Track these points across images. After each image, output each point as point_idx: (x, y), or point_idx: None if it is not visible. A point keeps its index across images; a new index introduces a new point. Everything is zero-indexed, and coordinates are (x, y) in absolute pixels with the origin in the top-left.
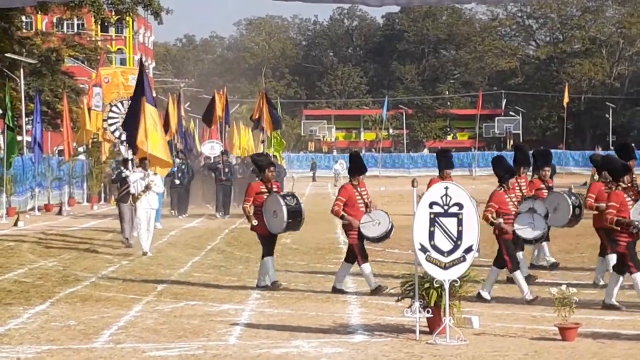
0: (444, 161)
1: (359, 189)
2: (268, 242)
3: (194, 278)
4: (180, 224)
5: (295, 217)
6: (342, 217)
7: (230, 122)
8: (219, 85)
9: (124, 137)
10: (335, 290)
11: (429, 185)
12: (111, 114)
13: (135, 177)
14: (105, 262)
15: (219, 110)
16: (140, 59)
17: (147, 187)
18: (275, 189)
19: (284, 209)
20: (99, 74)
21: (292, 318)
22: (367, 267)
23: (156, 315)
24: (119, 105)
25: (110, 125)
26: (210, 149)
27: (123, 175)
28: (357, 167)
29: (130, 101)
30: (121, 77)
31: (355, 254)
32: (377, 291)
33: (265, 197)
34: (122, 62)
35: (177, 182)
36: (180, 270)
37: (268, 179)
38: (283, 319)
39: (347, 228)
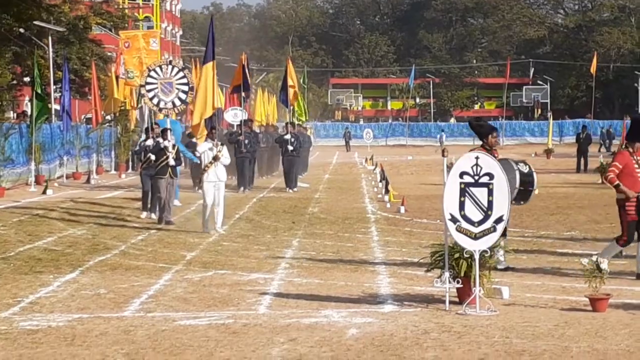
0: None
1: (635, 157)
2: None
3: (222, 247)
4: None
5: (527, 187)
6: (616, 187)
7: (253, 90)
8: (246, 53)
9: (162, 104)
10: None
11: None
12: (149, 79)
13: (203, 148)
14: (134, 231)
15: (240, 77)
16: (212, 17)
17: (215, 159)
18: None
19: (517, 174)
20: (122, 38)
21: (321, 287)
22: None
23: (185, 284)
24: (158, 70)
25: (149, 91)
26: (234, 116)
27: (146, 144)
28: (637, 134)
29: (171, 66)
30: (142, 40)
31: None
32: None
33: None
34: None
35: (244, 150)
36: (208, 239)
37: (491, 145)
38: (312, 288)
39: (622, 202)
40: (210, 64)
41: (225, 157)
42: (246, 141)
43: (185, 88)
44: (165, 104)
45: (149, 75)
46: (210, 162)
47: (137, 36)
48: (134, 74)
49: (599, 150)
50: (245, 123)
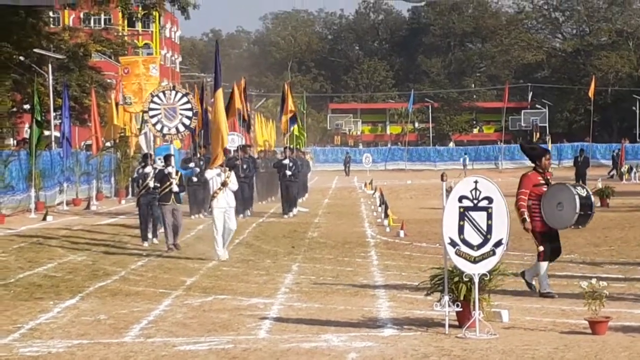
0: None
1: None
2: (546, 240)
3: (222, 272)
4: (209, 219)
5: (586, 210)
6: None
7: (252, 115)
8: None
9: (165, 130)
10: None
11: (522, 181)
12: (152, 105)
13: (211, 174)
14: (134, 257)
15: (237, 102)
16: (217, 42)
17: (224, 184)
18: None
19: (577, 199)
20: (122, 65)
21: (321, 312)
22: None
23: (185, 309)
24: (161, 95)
25: (152, 117)
26: (231, 141)
27: (145, 171)
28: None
29: (175, 92)
30: (142, 66)
31: None
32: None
33: (544, 188)
34: None
35: (242, 175)
36: (208, 265)
37: (544, 168)
38: (312, 313)
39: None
40: (220, 91)
41: (233, 182)
42: (244, 166)
43: (189, 113)
44: (169, 129)
45: (152, 101)
46: (219, 188)
47: (137, 62)
48: (132, 100)
49: (609, 173)
50: (242, 148)
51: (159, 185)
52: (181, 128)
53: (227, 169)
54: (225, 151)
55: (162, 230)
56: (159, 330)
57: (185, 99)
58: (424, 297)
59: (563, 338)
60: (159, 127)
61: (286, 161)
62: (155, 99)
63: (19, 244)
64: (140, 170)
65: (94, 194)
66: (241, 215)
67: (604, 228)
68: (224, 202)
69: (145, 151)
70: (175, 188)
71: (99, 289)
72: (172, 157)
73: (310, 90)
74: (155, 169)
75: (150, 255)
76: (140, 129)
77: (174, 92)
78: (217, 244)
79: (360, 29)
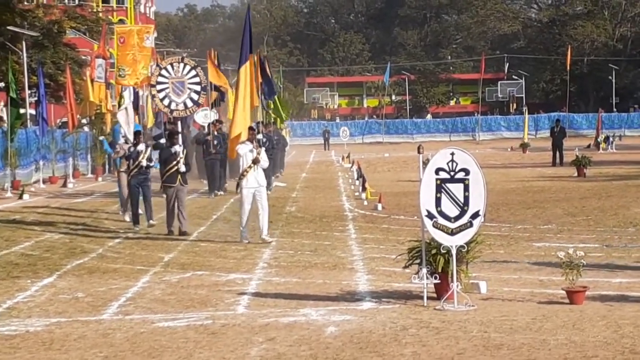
0: None
1: None
2: None
3: (200, 248)
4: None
5: None
6: None
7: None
8: (221, 54)
9: (173, 105)
10: None
11: None
12: (160, 79)
13: (244, 150)
14: (111, 234)
15: (212, 76)
16: (248, 7)
17: (255, 162)
18: None
19: None
20: (117, 33)
21: (300, 286)
22: None
23: (164, 286)
24: (169, 68)
25: (159, 91)
26: (204, 117)
27: (138, 149)
28: None
29: (183, 64)
30: (136, 36)
31: None
32: None
33: None
34: None
35: (213, 151)
36: (186, 241)
37: None
38: (290, 287)
39: None
40: (247, 64)
41: (264, 160)
42: (215, 142)
43: (198, 88)
44: (177, 105)
45: (160, 74)
46: (249, 166)
47: (132, 32)
48: (126, 72)
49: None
50: (214, 123)
51: (151, 164)
52: (189, 103)
53: (258, 145)
54: (196, 125)
55: (164, 214)
56: (137, 307)
57: (193, 72)
58: (402, 269)
59: (541, 308)
60: (166, 102)
61: (259, 136)
62: (164, 72)
63: None
64: (132, 149)
65: (70, 172)
66: (213, 193)
67: (580, 198)
68: (254, 182)
69: (125, 129)
70: (183, 168)
71: (77, 267)
72: (179, 135)
73: (287, 65)
74: (148, 146)
75: (128, 231)
76: (118, 105)
77: (182, 65)
78: (243, 225)
79: (335, 2)
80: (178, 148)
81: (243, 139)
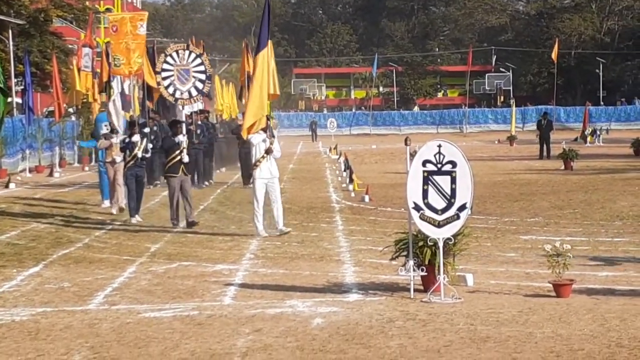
0: None
1: None
2: None
3: (187, 239)
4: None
5: None
6: None
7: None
8: (208, 44)
9: (178, 94)
10: None
11: None
12: (165, 66)
13: (257, 139)
14: (97, 224)
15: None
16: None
17: (268, 152)
18: None
19: None
20: (110, 21)
21: (286, 278)
22: None
23: (150, 276)
24: (174, 55)
25: (164, 79)
26: (190, 107)
27: (133, 140)
28: None
29: (189, 52)
30: (129, 24)
31: None
32: None
33: None
34: None
35: (196, 141)
36: (173, 231)
37: None
38: (277, 278)
39: None
40: (265, 50)
41: (277, 150)
42: (198, 131)
43: (202, 77)
44: (182, 93)
45: (165, 61)
46: (262, 157)
47: (125, 19)
48: (121, 61)
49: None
50: (199, 113)
51: (147, 155)
52: (194, 92)
53: (271, 134)
54: (185, 116)
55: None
56: (124, 297)
57: (199, 60)
58: (389, 261)
59: (527, 301)
60: (171, 90)
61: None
62: (169, 59)
63: None
64: (127, 139)
65: (57, 161)
66: (196, 186)
67: (567, 191)
68: (267, 172)
69: (115, 119)
70: (186, 158)
71: (63, 257)
72: (182, 125)
73: (274, 55)
74: (144, 137)
75: (114, 221)
76: (108, 96)
77: (187, 52)
78: (258, 218)
79: None
80: (182, 138)
81: (262, 126)
